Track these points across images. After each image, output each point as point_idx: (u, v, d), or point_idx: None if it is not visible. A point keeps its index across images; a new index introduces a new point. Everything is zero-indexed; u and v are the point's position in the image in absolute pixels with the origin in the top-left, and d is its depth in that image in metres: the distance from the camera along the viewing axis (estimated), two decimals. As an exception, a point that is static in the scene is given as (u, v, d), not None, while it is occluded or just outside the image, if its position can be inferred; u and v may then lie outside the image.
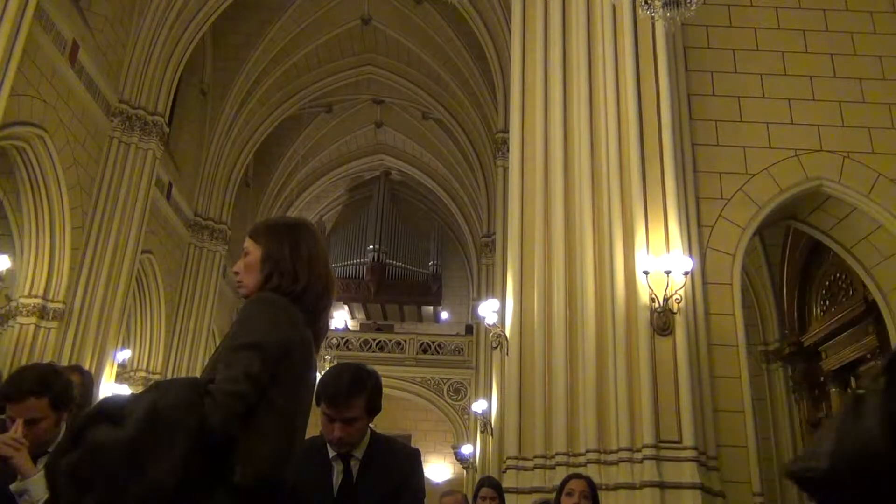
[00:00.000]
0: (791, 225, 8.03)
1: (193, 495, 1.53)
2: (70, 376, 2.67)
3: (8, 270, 10.09)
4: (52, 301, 10.47)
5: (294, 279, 1.77)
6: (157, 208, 13.67)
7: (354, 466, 2.32)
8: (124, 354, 13.01)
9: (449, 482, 18.51)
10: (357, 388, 2.27)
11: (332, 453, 2.33)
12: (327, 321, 1.90)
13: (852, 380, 8.78)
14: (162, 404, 1.55)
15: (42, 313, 10.32)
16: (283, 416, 1.66)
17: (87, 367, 9.30)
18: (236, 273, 1.86)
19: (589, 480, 3.73)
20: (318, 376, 2.04)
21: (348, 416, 2.25)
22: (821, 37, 7.25)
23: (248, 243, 1.86)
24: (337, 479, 2.32)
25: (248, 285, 1.81)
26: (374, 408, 2.33)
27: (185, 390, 1.61)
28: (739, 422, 6.05)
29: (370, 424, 2.39)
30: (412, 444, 2.76)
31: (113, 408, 1.58)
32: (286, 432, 1.67)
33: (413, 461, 2.45)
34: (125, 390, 12.16)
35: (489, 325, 9.42)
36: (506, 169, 11.36)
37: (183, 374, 13.64)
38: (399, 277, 21.38)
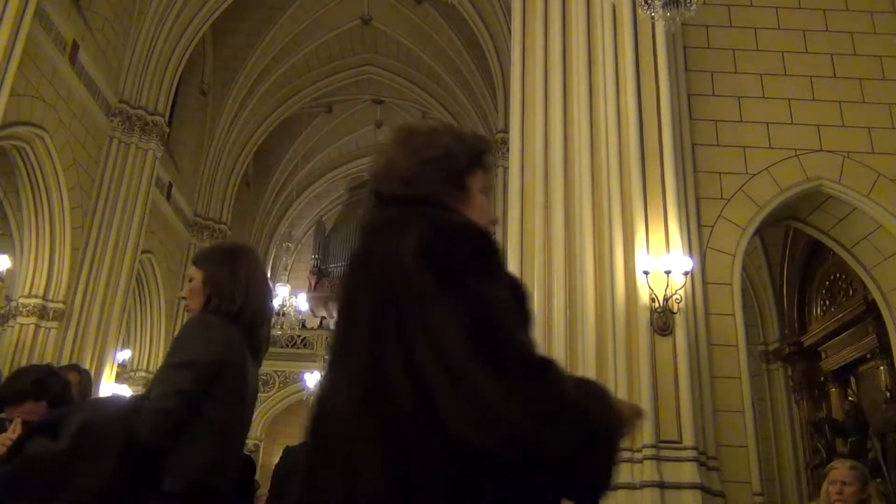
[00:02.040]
0: (791, 225, 8.03)
1: (124, 502, 1.66)
2: (68, 376, 2.68)
3: (8, 270, 10.09)
4: (52, 301, 10.47)
5: (231, 300, 1.92)
6: (157, 208, 13.67)
7: None
8: (124, 354, 13.02)
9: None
10: None
11: None
12: (266, 336, 2.06)
13: (852, 380, 8.78)
14: (94, 420, 1.70)
15: (42, 313, 10.32)
16: (217, 428, 1.80)
17: (87, 367, 9.29)
18: (184, 297, 2.03)
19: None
20: (257, 390, 2.13)
21: None
22: (821, 37, 7.25)
23: (192, 269, 2.03)
24: None
25: (192, 307, 1.97)
26: None
27: (118, 407, 1.80)
28: (739, 422, 6.05)
29: None
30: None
31: (55, 421, 1.73)
32: (220, 443, 1.82)
33: None
34: (125, 390, 12.16)
35: (489, 325, 9.41)
36: (506, 169, 11.35)
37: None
38: (399, 277, 21.36)
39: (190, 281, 2.00)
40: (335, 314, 1.20)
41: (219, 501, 1.81)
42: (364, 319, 1.06)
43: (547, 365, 1.01)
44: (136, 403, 1.77)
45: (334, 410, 1.04)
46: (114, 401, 1.90)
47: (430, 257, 1.04)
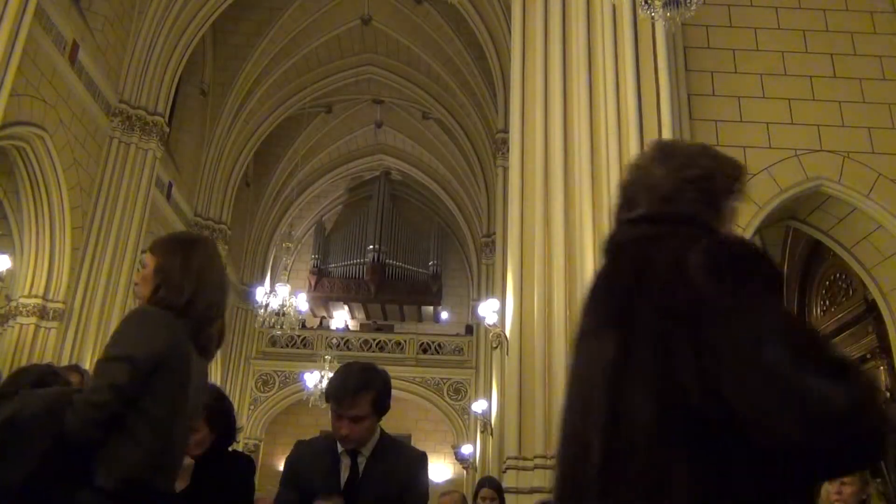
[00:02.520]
0: (791, 225, 8.03)
1: (53, 495, 1.64)
2: (69, 377, 2.67)
3: (8, 270, 10.09)
4: (52, 301, 10.48)
5: (179, 292, 1.85)
6: (157, 208, 13.67)
7: (361, 463, 2.36)
8: (124, 354, 13.00)
9: (449, 482, 18.52)
10: (362, 387, 2.30)
11: (341, 448, 2.38)
12: (219, 331, 1.99)
13: (852, 380, 8.77)
14: (21, 413, 1.69)
15: (42, 313, 10.32)
16: (155, 424, 1.75)
17: (87, 367, 9.29)
18: (136, 284, 1.98)
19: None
20: (204, 387, 2.09)
21: (354, 414, 2.29)
22: (821, 37, 7.25)
23: (147, 256, 1.96)
24: (344, 473, 2.35)
25: (142, 295, 1.92)
26: (381, 407, 2.36)
27: (47, 400, 1.76)
28: (739, 422, 6.04)
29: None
30: (413, 445, 2.78)
31: None
32: (159, 439, 1.77)
33: (419, 464, 2.47)
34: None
35: (489, 325, 9.43)
36: (506, 169, 11.36)
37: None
38: (399, 277, 21.38)
39: (143, 267, 1.95)
40: (589, 324, 1.19)
41: (157, 498, 1.77)
42: (648, 332, 1.08)
43: (856, 363, 1.06)
44: (68, 396, 1.75)
45: (629, 421, 1.06)
46: (42, 394, 1.85)
47: (722, 273, 1.07)
